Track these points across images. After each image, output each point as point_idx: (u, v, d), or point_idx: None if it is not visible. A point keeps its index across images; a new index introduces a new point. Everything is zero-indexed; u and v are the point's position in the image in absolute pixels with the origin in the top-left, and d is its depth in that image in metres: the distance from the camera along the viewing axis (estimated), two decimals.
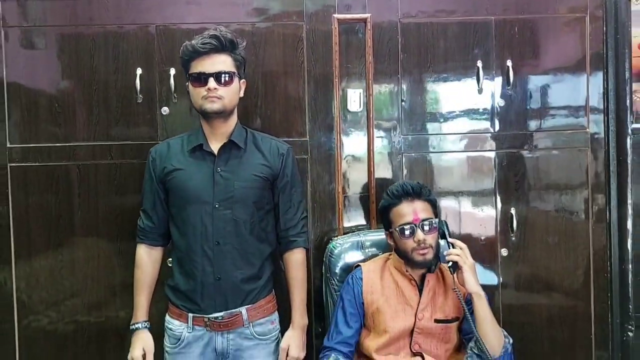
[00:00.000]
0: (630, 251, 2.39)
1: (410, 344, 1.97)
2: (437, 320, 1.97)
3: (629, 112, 2.37)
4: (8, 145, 2.34)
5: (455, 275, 1.93)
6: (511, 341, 1.95)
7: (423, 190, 1.99)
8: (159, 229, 2.07)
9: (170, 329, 2.04)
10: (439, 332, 1.97)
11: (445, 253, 1.96)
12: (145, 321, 2.06)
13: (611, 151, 2.41)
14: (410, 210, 1.95)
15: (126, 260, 2.27)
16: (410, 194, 1.97)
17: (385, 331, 1.97)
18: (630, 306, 2.41)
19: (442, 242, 2.00)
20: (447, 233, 1.99)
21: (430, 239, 1.94)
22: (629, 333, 2.41)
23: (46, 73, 2.34)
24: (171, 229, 2.05)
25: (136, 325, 2.05)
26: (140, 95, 2.34)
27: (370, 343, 2.00)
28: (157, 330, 2.07)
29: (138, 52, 2.35)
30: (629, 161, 2.38)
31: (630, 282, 2.40)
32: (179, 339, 2.01)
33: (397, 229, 1.97)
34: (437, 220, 1.98)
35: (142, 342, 2.03)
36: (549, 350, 2.45)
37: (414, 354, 1.97)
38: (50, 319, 2.38)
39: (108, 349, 2.38)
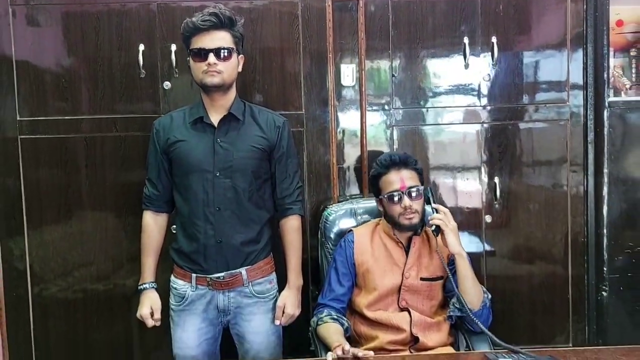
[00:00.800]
0: (605, 217, 2.54)
1: (398, 301, 2.11)
2: (422, 279, 2.11)
3: (606, 86, 2.50)
4: (18, 118, 2.45)
5: (437, 237, 2.08)
6: (490, 297, 2.08)
7: (409, 160, 2.13)
8: (163, 196, 2.18)
9: (175, 288, 2.16)
10: (425, 289, 2.12)
11: (429, 218, 2.09)
12: (152, 282, 2.18)
13: (589, 123, 2.55)
14: (398, 179, 2.09)
15: (133, 228, 2.42)
16: (398, 164, 2.11)
17: (374, 289, 2.12)
18: (604, 268, 2.57)
19: (427, 207, 2.14)
20: (431, 199, 2.13)
21: (416, 205, 2.08)
22: (603, 293, 2.57)
23: (53, 49, 2.45)
24: (175, 196, 2.17)
25: (144, 286, 2.17)
26: (143, 71, 2.45)
27: (361, 300, 2.14)
28: (163, 291, 2.20)
29: (140, 29, 2.45)
30: (605, 133, 2.52)
31: (605, 246, 2.56)
32: (183, 297, 2.14)
33: (385, 195, 2.11)
34: (422, 187, 2.12)
35: (150, 301, 2.15)
36: (529, 311, 2.62)
37: (402, 310, 2.11)
38: (60, 287, 2.52)
39: (115, 314, 2.55)
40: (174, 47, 2.42)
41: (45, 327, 2.53)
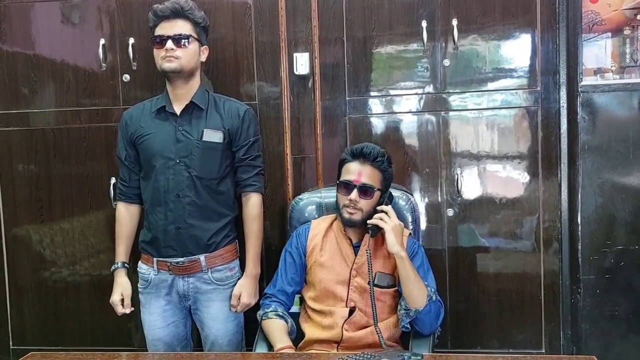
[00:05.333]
0: (579, 211, 2.32)
1: (347, 300, 2.03)
2: (375, 285, 2.00)
3: (578, 68, 2.28)
4: None
5: (370, 238, 2.00)
6: (434, 289, 1.97)
7: (380, 158, 2.03)
8: (133, 188, 2.27)
9: (141, 273, 2.26)
10: (375, 292, 2.01)
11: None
12: (124, 262, 2.27)
13: (561, 110, 2.34)
14: (356, 171, 2.02)
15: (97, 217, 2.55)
16: (365, 157, 2.02)
17: (320, 282, 2.06)
18: (579, 269, 2.34)
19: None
20: (384, 203, 2.02)
21: (363, 203, 2.00)
22: (578, 296, 2.35)
23: (22, 43, 2.58)
24: (141, 185, 2.25)
25: (114, 266, 2.27)
26: (104, 64, 2.53)
27: (309, 293, 2.10)
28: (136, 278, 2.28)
29: (102, 23, 2.53)
30: (578, 120, 2.30)
31: (579, 245, 2.33)
32: (147, 281, 2.23)
33: (338, 181, 2.06)
34: (377, 189, 2.01)
35: (121, 288, 2.25)
36: (497, 314, 2.45)
37: (352, 307, 2.03)
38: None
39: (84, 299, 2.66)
40: (131, 41, 2.49)
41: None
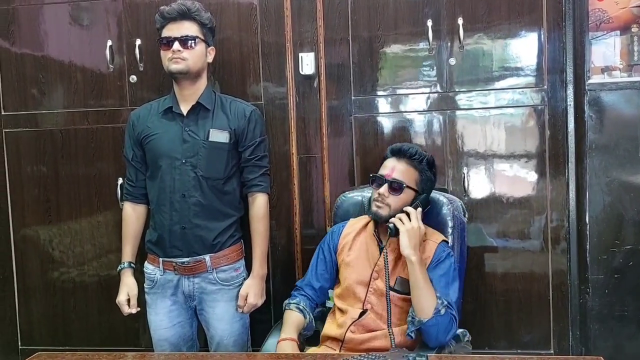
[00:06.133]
0: (587, 210, 2.29)
1: (364, 302, 2.01)
2: (391, 288, 1.97)
3: (585, 67, 2.26)
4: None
5: (389, 238, 1.96)
6: (445, 302, 1.89)
7: (416, 156, 2.01)
8: (140, 188, 2.28)
9: (147, 273, 2.26)
10: (392, 297, 1.98)
11: None
12: (130, 262, 2.28)
13: (568, 109, 2.32)
14: (391, 166, 2.01)
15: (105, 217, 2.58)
16: (402, 153, 2.02)
17: (345, 281, 2.06)
18: (587, 269, 2.32)
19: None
20: (413, 206, 1.98)
21: (392, 199, 1.98)
22: (587, 296, 2.32)
23: (31, 44, 2.60)
24: (147, 185, 2.26)
25: (120, 266, 2.28)
26: (111, 66, 2.55)
27: (336, 290, 2.11)
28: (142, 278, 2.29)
29: (109, 25, 2.55)
30: (585, 118, 2.28)
31: (587, 244, 2.31)
32: (153, 281, 2.24)
33: (372, 175, 2.05)
34: (408, 187, 1.98)
35: (127, 288, 2.26)
36: (504, 313, 2.43)
37: (364, 310, 2.00)
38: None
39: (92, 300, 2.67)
40: (138, 42, 2.50)
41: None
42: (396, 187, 1.98)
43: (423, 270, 1.90)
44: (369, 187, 2.17)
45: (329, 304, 2.17)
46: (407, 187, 1.99)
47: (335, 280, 2.13)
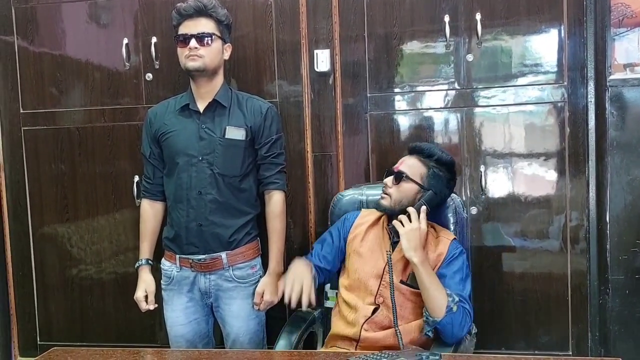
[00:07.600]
0: (607, 209, 2.25)
1: (376, 296, 2.00)
2: (402, 282, 1.98)
3: (607, 62, 2.21)
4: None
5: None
6: (456, 299, 1.88)
7: (427, 151, 2.01)
8: (157, 185, 2.29)
9: (164, 269, 2.28)
10: (405, 291, 1.98)
11: None
12: (147, 258, 2.29)
13: (589, 106, 2.27)
14: (401, 161, 2.04)
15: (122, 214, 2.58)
16: (416, 151, 2.04)
17: (355, 272, 2.05)
18: (607, 269, 2.27)
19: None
20: (419, 204, 1.96)
21: (394, 190, 1.99)
22: (606, 297, 2.28)
23: (49, 43, 2.62)
24: (164, 182, 2.27)
25: (138, 263, 2.29)
26: (128, 64, 2.55)
27: (342, 280, 2.10)
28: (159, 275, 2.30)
29: (125, 23, 2.56)
30: (607, 115, 2.23)
31: (607, 244, 2.26)
32: (170, 278, 2.25)
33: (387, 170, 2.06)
34: (411, 180, 1.98)
35: (145, 284, 2.27)
36: (521, 314, 2.40)
37: (376, 304, 1.99)
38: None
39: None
40: (154, 40, 2.51)
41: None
42: (399, 178, 1.98)
43: (428, 270, 1.89)
44: (366, 186, 2.23)
45: (328, 304, 2.16)
46: (408, 178, 1.98)
47: (335, 266, 2.13)
